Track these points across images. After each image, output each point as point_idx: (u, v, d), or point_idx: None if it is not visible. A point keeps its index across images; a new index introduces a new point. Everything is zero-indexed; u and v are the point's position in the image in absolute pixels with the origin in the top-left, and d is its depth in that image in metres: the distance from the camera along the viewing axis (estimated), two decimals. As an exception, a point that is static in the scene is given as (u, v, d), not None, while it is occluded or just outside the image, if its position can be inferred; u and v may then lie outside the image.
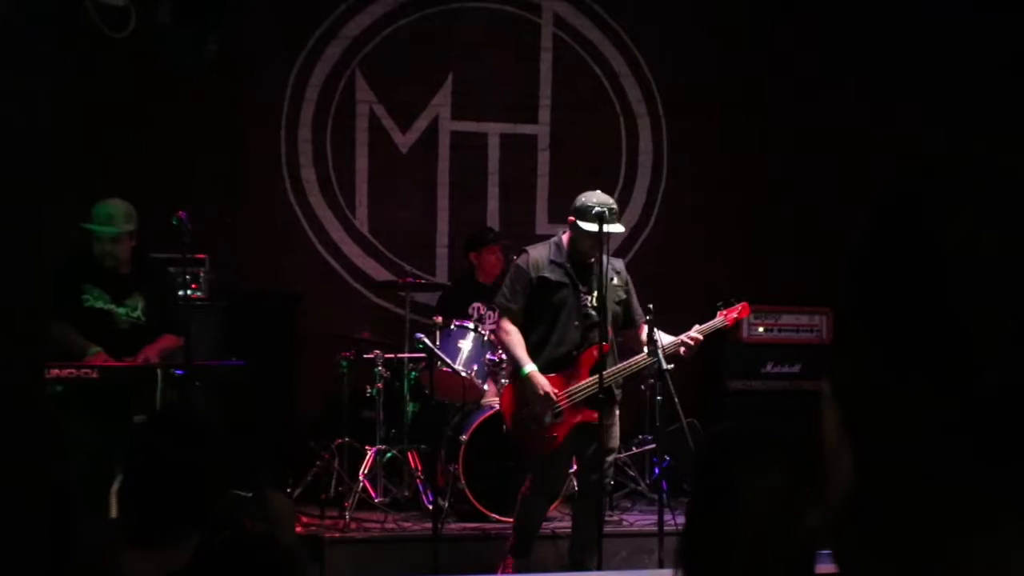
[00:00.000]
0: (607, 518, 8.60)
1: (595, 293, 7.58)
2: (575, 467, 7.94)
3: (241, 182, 10.48)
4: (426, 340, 8.44)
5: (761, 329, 10.32)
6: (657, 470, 9.33)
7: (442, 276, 10.81)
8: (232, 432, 8.99)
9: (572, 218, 7.53)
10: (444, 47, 10.90)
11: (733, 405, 10.26)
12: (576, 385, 7.51)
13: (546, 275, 7.53)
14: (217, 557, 3.15)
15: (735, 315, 7.95)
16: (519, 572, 7.79)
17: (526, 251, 7.75)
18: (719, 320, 7.87)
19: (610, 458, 7.68)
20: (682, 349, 7.62)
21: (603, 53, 11.18)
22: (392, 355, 9.33)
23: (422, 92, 10.89)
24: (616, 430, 7.75)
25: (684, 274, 10.89)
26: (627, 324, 7.79)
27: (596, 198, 7.52)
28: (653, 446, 9.41)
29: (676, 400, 7.56)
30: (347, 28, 10.74)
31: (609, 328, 7.61)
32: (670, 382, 7.58)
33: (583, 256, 7.59)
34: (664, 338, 7.57)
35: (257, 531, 3.52)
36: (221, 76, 9.99)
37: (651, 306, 7.60)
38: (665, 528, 7.60)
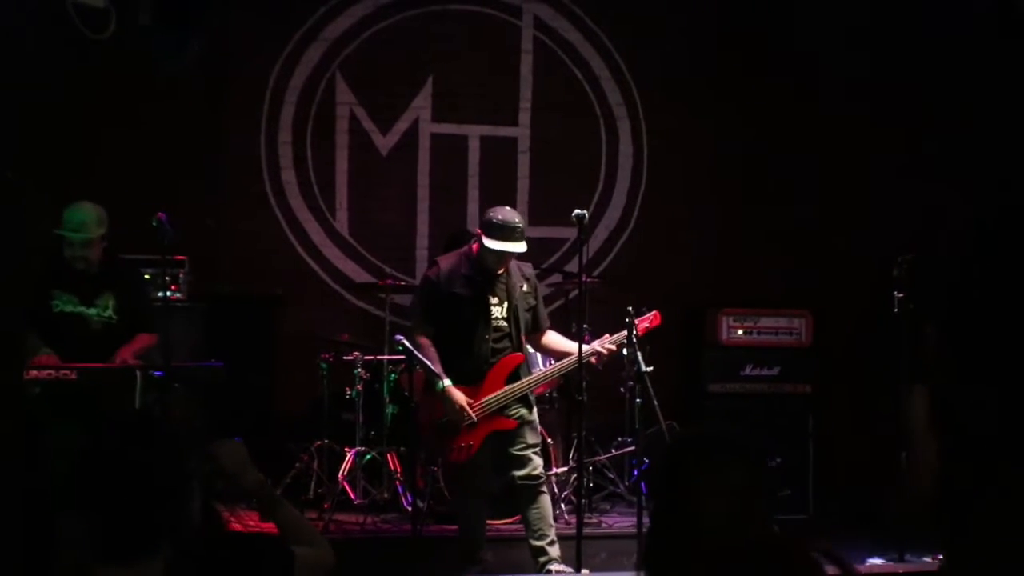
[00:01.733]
0: (586, 520, 8.59)
1: (505, 304, 7.72)
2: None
3: (221, 184, 10.46)
4: (406, 342, 8.43)
5: (740, 332, 10.31)
6: (636, 472, 9.34)
7: (422, 278, 10.78)
8: (210, 434, 9.06)
9: (480, 231, 7.65)
10: (424, 50, 10.90)
11: (712, 407, 10.24)
12: (489, 396, 7.63)
13: (457, 291, 7.66)
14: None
15: (646, 324, 7.91)
16: None
17: (437, 263, 7.85)
18: (621, 333, 7.78)
19: (532, 451, 7.68)
20: (593, 358, 7.69)
21: (583, 55, 11.19)
22: (371, 357, 9.33)
23: (402, 94, 10.89)
24: (536, 426, 7.84)
25: (663, 276, 10.88)
26: (534, 329, 7.89)
27: (502, 215, 7.63)
28: (632, 448, 9.42)
29: (656, 403, 7.60)
30: (327, 31, 10.74)
31: (522, 336, 7.75)
32: (649, 385, 7.62)
33: (486, 267, 7.69)
34: (573, 346, 7.66)
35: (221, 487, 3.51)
36: (201, 78, 10.03)
37: (630, 308, 7.64)
38: (644, 530, 7.63)
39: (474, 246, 7.74)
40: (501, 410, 7.63)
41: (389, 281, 9.56)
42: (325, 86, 10.74)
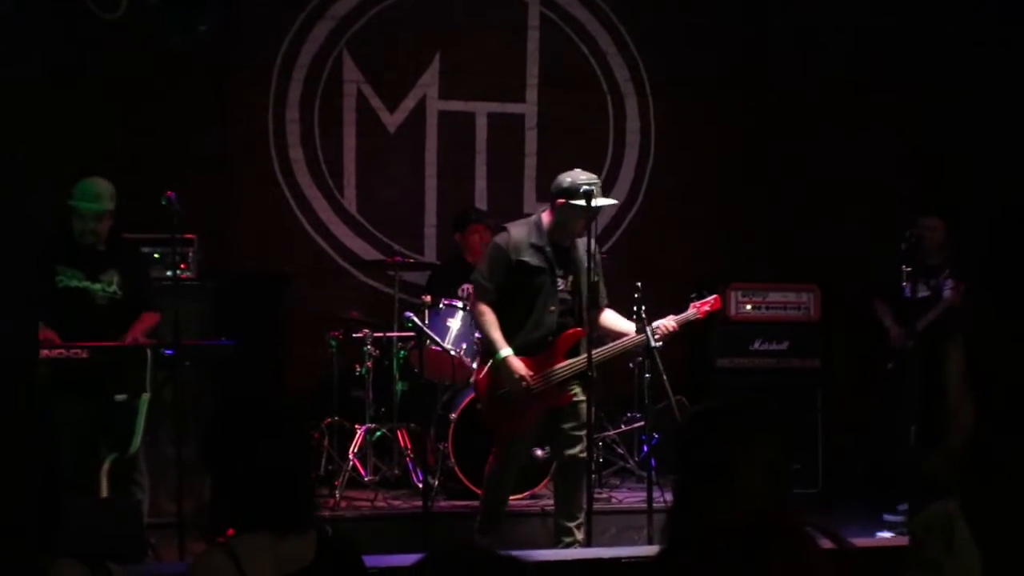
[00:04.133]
0: (596, 495, 8.57)
1: (570, 277, 7.61)
2: (541, 452, 8.00)
3: (229, 163, 10.47)
4: (415, 319, 8.46)
5: (748, 307, 10.32)
6: (646, 447, 9.37)
7: (431, 255, 10.83)
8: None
9: (562, 200, 7.48)
10: (431, 27, 10.88)
11: (721, 383, 10.25)
12: (551, 369, 7.52)
13: (525, 259, 7.50)
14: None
15: (707, 308, 7.90)
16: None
17: (506, 230, 7.68)
18: (692, 312, 7.84)
19: (582, 435, 7.66)
20: (656, 336, 7.62)
21: (590, 31, 11.17)
22: (381, 334, 9.34)
23: (409, 72, 10.88)
24: (591, 406, 7.76)
25: (672, 252, 10.92)
26: (592, 305, 7.74)
27: (584, 176, 7.52)
28: (642, 424, 9.44)
29: (665, 378, 7.60)
30: (334, 8, 10.72)
31: (584, 311, 7.64)
32: (658, 360, 7.61)
33: (564, 238, 7.59)
34: (629, 326, 7.63)
35: None
36: (209, 56, 10.02)
37: (639, 284, 7.61)
38: (654, 505, 7.66)
39: (544, 216, 7.62)
40: (559, 384, 7.53)
41: (397, 258, 9.57)
42: (332, 64, 10.72)
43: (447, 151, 10.96)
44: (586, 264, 7.56)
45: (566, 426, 7.55)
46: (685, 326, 7.80)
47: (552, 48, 11.11)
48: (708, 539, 2.89)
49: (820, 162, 10.94)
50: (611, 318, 7.84)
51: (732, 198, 11.14)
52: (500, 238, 7.65)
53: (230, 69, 10.44)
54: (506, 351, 7.44)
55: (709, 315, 7.97)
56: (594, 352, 7.46)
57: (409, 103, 10.88)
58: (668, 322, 7.65)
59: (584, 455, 7.59)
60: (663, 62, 11.24)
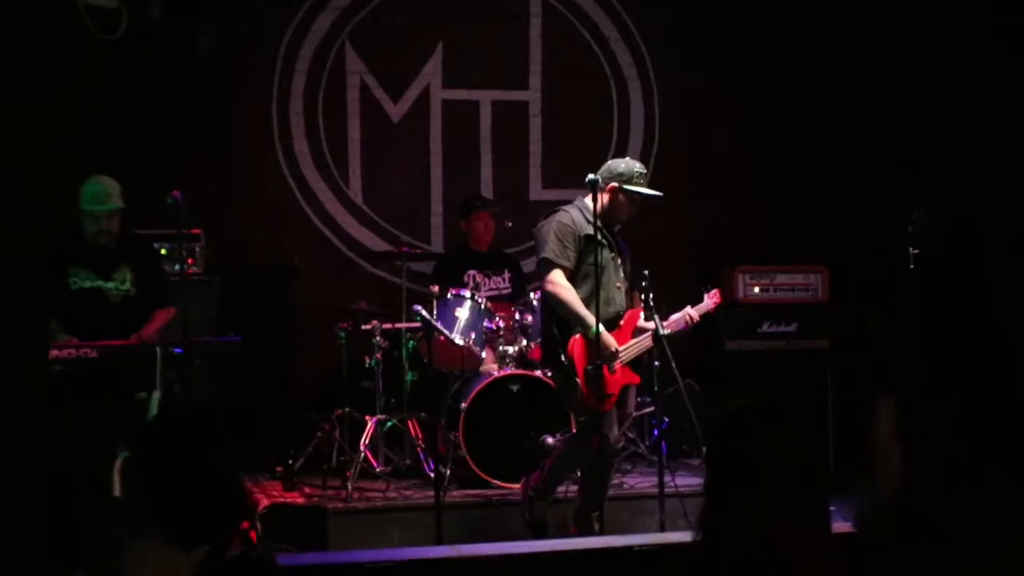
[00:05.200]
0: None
1: (619, 259, 7.66)
2: (552, 440, 8.01)
3: (234, 156, 10.47)
4: (423, 312, 8.44)
5: (757, 289, 10.34)
6: (656, 432, 9.38)
7: (437, 244, 10.84)
8: (232, 408, 9.13)
9: (614, 184, 7.51)
10: (433, 16, 10.86)
11: (730, 365, 10.31)
12: (625, 346, 7.53)
13: (591, 233, 7.46)
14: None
15: (718, 299, 8.07)
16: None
17: (565, 210, 7.63)
18: (708, 303, 8.02)
19: (628, 422, 7.72)
20: (686, 322, 7.79)
21: (592, 18, 11.16)
22: (390, 325, 9.35)
23: (412, 61, 10.87)
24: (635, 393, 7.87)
25: (678, 236, 10.91)
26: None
27: (637, 165, 7.63)
28: (652, 409, 9.45)
29: (673, 364, 7.62)
30: (336, -1, 10.72)
31: (634, 293, 7.70)
32: (667, 347, 7.64)
33: (610, 223, 7.62)
34: (649, 325, 7.65)
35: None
36: (211, 50, 9.99)
37: (646, 272, 7.64)
38: (665, 490, 7.68)
39: (587, 202, 7.53)
40: (630, 363, 7.56)
41: (405, 249, 9.56)
42: (335, 55, 10.72)
43: (451, 140, 10.96)
44: (626, 250, 7.74)
45: (621, 410, 7.63)
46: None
47: (554, 35, 11.10)
48: (740, 539, 2.95)
49: (827, 143, 10.91)
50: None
51: (737, 182, 11.14)
52: (561, 216, 7.59)
53: (233, 62, 10.41)
54: (599, 326, 7.35)
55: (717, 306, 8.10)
56: (639, 340, 7.57)
57: (413, 93, 10.87)
58: (692, 313, 7.79)
59: (620, 444, 7.65)
60: (666, 47, 11.24)
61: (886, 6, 10.81)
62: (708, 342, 10.39)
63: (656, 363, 7.89)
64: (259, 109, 10.59)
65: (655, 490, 7.91)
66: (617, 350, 7.44)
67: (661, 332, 7.58)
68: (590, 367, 7.39)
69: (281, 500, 8.75)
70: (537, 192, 10.86)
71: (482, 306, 9.12)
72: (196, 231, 9.37)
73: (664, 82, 11.25)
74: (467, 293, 9.21)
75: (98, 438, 7.59)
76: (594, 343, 7.34)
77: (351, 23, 10.73)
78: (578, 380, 7.50)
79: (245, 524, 8.34)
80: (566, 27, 11.12)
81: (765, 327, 10.32)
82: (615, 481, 9.06)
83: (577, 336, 7.48)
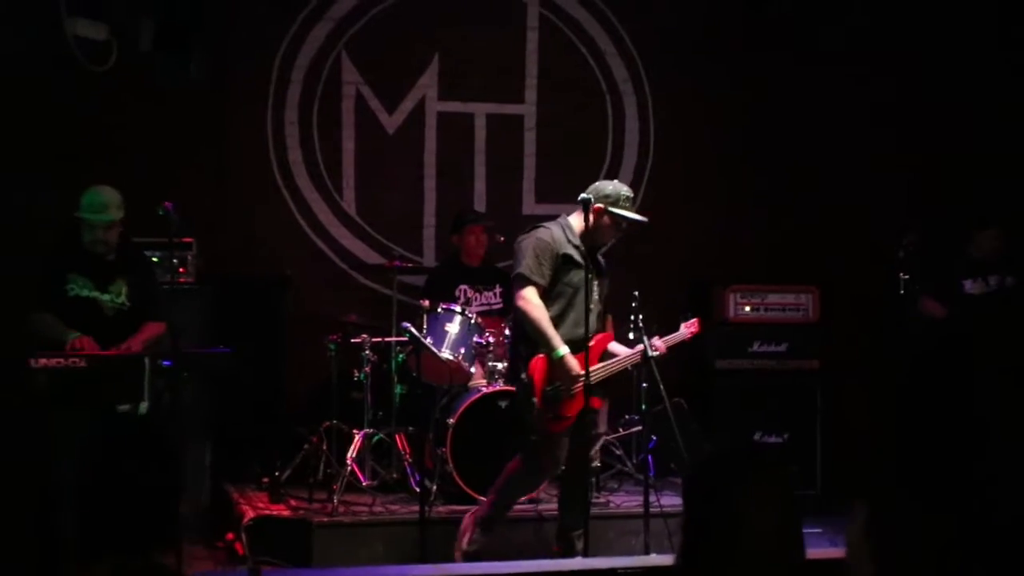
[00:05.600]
0: (593, 500, 8.63)
1: (596, 281, 7.63)
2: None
3: (228, 165, 10.45)
4: (412, 329, 8.43)
5: (747, 308, 10.35)
6: (643, 453, 9.36)
7: (430, 257, 10.82)
8: (221, 420, 9.16)
9: (600, 206, 7.50)
10: (430, 28, 10.85)
11: (720, 384, 10.32)
12: (591, 370, 7.47)
13: (569, 252, 7.49)
14: None
15: (694, 329, 8.03)
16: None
17: (546, 227, 7.63)
18: (683, 332, 7.97)
19: (600, 442, 7.71)
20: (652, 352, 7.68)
21: (589, 32, 11.14)
22: (379, 339, 9.34)
23: (408, 73, 10.85)
24: (606, 414, 7.81)
25: (671, 253, 10.90)
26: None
27: (625, 188, 7.63)
28: (640, 428, 9.45)
29: (662, 387, 7.63)
30: (333, 9, 10.68)
31: (608, 317, 7.72)
32: (656, 369, 7.65)
33: (592, 243, 7.62)
34: (622, 349, 7.68)
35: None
36: (206, 59, 9.97)
37: (636, 292, 7.65)
38: (651, 510, 7.69)
39: (572, 220, 7.60)
40: (592, 388, 7.49)
41: (397, 263, 9.53)
42: (331, 65, 10.70)
43: (445, 152, 10.93)
44: (606, 272, 7.74)
45: (588, 432, 7.57)
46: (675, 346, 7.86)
47: (551, 49, 11.08)
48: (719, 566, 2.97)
49: (821, 163, 10.95)
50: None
51: (731, 199, 11.16)
52: (541, 232, 7.59)
53: (228, 71, 10.38)
54: (564, 348, 7.38)
55: (693, 337, 8.09)
56: (607, 364, 7.58)
57: (408, 104, 10.85)
58: (658, 344, 7.72)
59: (596, 463, 7.67)
60: (662, 62, 11.23)
61: (889, 19, 10.85)
62: (698, 361, 10.38)
63: (644, 384, 7.90)
64: (254, 119, 10.57)
65: (641, 509, 7.90)
66: (579, 374, 7.38)
67: (650, 353, 7.59)
68: (549, 388, 7.42)
69: (267, 512, 8.76)
70: (530, 206, 10.86)
71: (472, 321, 9.11)
72: (188, 240, 9.34)
73: (659, 97, 11.24)
74: (457, 308, 9.20)
75: (83, 449, 7.56)
76: (557, 364, 7.36)
77: (347, 34, 10.71)
78: (535, 400, 7.52)
79: (230, 535, 8.40)
80: (562, 41, 11.11)
81: (755, 346, 10.32)
82: (601, 500, 9.10)
83: (540, 356, 7.49)
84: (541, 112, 11.07)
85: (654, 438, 8.98)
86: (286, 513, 8.75)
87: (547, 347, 7.42)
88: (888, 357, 9.42)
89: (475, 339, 9.07)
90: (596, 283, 7.62)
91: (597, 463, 7.70)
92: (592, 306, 7.49)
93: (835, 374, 10.34)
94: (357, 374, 9.33)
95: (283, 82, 10.62)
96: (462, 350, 9.04)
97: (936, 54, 10.82)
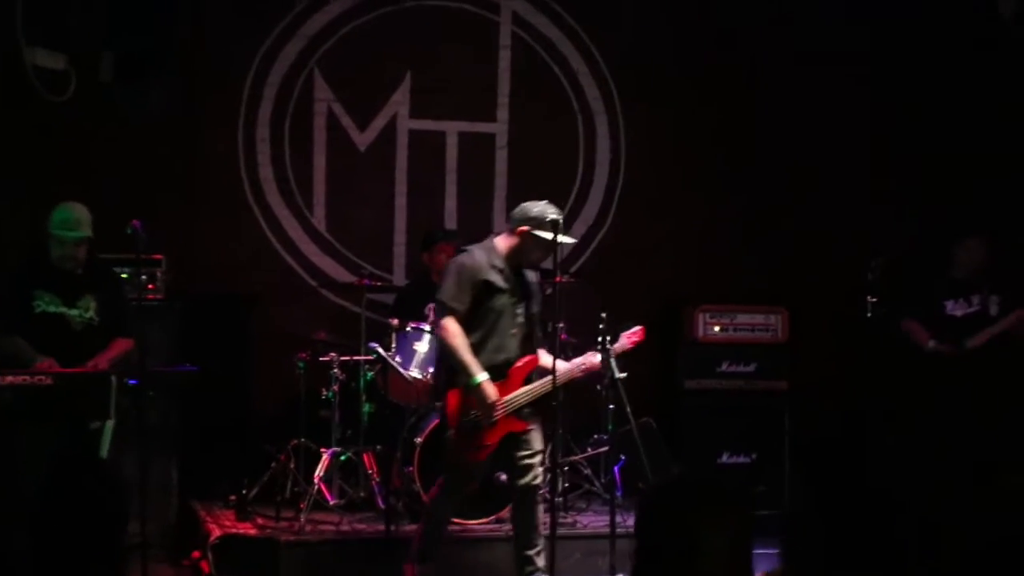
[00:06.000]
0: (561, 520, 8.61)
1: (523, 303, 7.62)
2: (505, 476, 7.97)
3: (199, 181, 10.42)
4: (380, 350, 8.45)
5: (716, 328, 10.38)
6: (611, 473, 9.36)
7: (400, 274, 10.81)
8: (188, 437, 9.13)
9: (525, 228, 7.49)
10: (402, 45, 10.84)
11: (689, 404, 10.36)
12: (511, 395, 7.51)
13: (491, 279, 7.49)
14: None
15: (636, 339, 7.95)
16: None
17: (469, 251, 7.67)
18: (623, 342, 7.88)
19: (538, 459, 7.69)
20: (579, 372, 7.73)
21: (562, 51, 11.14)
22: (348, 358, 9.34)
23: (380, 91, 10.84)
24: (540, 433, 7.76)
25: (641, 274, 10.92)
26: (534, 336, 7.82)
27: (552, 209, 7.55)
28: (607, 448, 9.45)
29: (628, 409, 7.66)
30: (305, 27, 10.67)
31: (535, 338, 7.72)
32: (623, 391, 7.66)
33: (518, 265, 7.61)
34: (560, 364, 7.60)
35: None
36: (178, 75, 9.94)
37: (604, 315, 7.64)
38: (618, 531, 7.70)
39: (499, 242, 7.63)
40: (516, 411, 7.53)
41: (366, 281, 9.53)
42: (303, 82, 10.68)
43: (417, 170, 10.91)
44: (537, 293, 7.70)
45: (519, 454, 7.58)
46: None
47: (523, 67, 11.08)
48: None
49: (794, 184, 11.03)
50: (544, 356, 7.84)
51: (702, 219, 11.17)
52: (463, 258, 7.63)
53: (200, 88, 10.36)
54: (483, 375, 7.38)
55: (636, 346, 8.01)
56: (530, 387, 7.55)
57: (380, 122, 10.84)
58: (592, 360, 7.70)
59: (537, 482, 7.62)
60: (634, 81, 11.23)
61: (862, 40, 10.97)
62: (666, 380, 10.44)
63: (611, 406, 7.91)
64: (225, 135, 10.54)
65: (608, 530, 7.90)
66: (495, 402, 7.40)
67: (616, 376, 7.61)
68: (467, 419, 7.44)
69: (233, 530, 8.73)
70: (501, 224, 10.73)
71: (442, 340, 9.10)
72: (157, 256, 9.31)
73: (631, 117, 11.24)
74: (427, 327, 9.19)
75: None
76: (474, 392, 7.39)
77: (320, 51, 10.69)
78: (450, 430, 7.59)
79: (196, 554, 8.36)
80: (535, 60, 11.11)
81: (724, 366, 10.36)
82: (568, 520, 9.10)
83: (453, 389, 7.53)
84: (513, 131, 11.06)
85: (622, 458, 9.00)
86: (253, 531, 8.74)
87: (465, 374, 7.42)
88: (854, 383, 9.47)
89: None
90: (521, 306, 7.62)
91: (538, 481, 7.63)
92: (515, 330, 7.54)
93: (803, 395, 10.36)
94: (325, 392, 9.32)
95: (255, 99, 10.59)
96: (431, 369, 9.04)
97: (912, 73, 10.91)
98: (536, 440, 7.65)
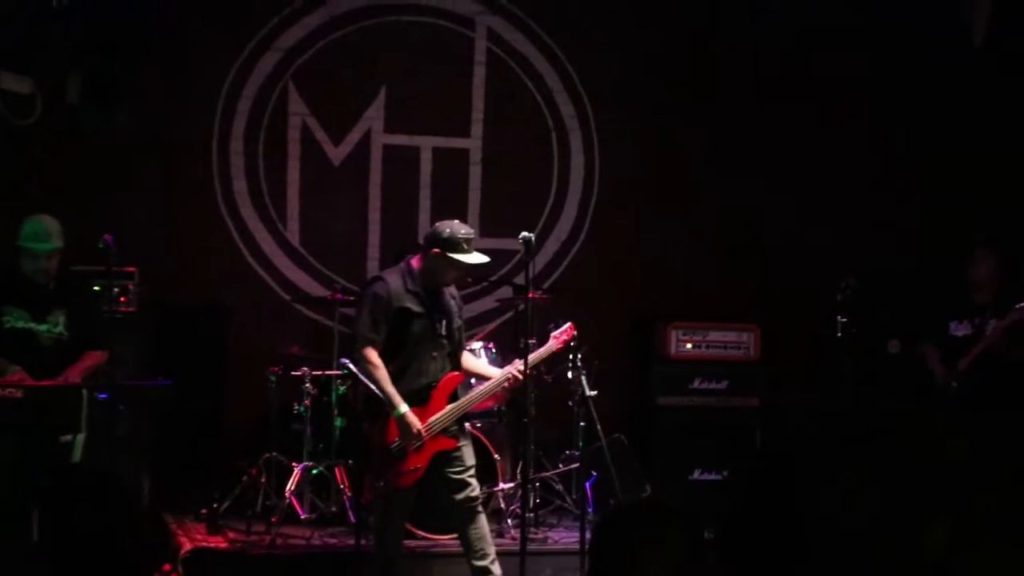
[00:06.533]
0: (532, 535, 8.67)
1: (444, 321, 7.64)
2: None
3: (172, 193, 10.40)
4: (352, 366, 8.44)
5: (689, 345, 10.41)
6: (581, 490, 9.37)
7: (373, 289, 10.75)
8: (159, 450, 9.08)
9: (437, 250, 7.51)
10: (377, 60, 10.84)
11: (661, 421, 10.38)
12: (435, 416, 7.53)
13: (407, 305, 7.52)
14: None
15: (565, 337, 7.93)
16: None
17: (383, 279, 7.68)
18: (552, 344, 7.88)
19: (471, 472, 7.69)
20: (506, 383, 7.74)
21: (536, 68, 11.15)
22: (320, 372, 9.33)
23: (355, 105, 10.83)
24: (471, 447, 7.78)
25: (614, 290, 10.94)
26: (459, 349, 7.83)
27: (462, 229, 7.60)
28: (578, 464, 9.46)
29: (599, 427, 7.68)
30: (281, 40, 10.65)
31: (459, 354, 7.73)
32: (592, 409, 7.69)
33: (433, 285, 7.64)
34: (491, 370, 7.73)
35: None
36: (153, 87, 9.98)
37: (575, 332, 7.66)
38: (587, 547, 7.68)
39: (415, 261, 7.66)
40: (443, 429, 7.56)
41: (339, 295, 9.54)
42: (278, 96, 10.66)
43: (391, 185, 10.90)
44: (457, 307, 7.72)
45: (452, 471, 7.60)
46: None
47: (498, 83, 11.09)
48: None
49: (763, 202, 11.07)
50: (471, 360, 7.95)
51: (675, 236, 11.19)
52: (378, 287, 7.63)
53: (174, 100, 10.34)
54: (404, 407, 7.43)
55: (568, 344, 8.01)
56: (455, 405, 7.58)
57: (354, 136, 10.83)
58: (517, 367, 7.65)
59: (475, 494, 7.63)
60: (608, 99, 11.25)
61: (838, 55, 11.05)
62: (639, 397, 10.46)
63: (582, 424, 7.92)
64: (199, 147, 10.51)
65: (579, 546, 7.91)
66: (419, 431, 7.45)
67: (587, 393, 7.63)
68: (392, 447, 7.47)
69: (204, 544, 8.70)
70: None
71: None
72: (130, 269, 9.31)
73: (605, 135, 11.25)
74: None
75: (19, 481, 7.43)
76: (398, 422, 7.43)
77: (295, 64, 10.68)
78: (370, 461, 7.69)
79: (167, 567, 8.32)
80: (510, 76, 11.12)
81: (696, 383, 10.39)
82: (539, 536, 9.10)
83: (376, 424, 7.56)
84: (487, 146, 11.06)
85: (594, 474, 9.00)
86: (224, 545, 8.73)
87: (390, 404, 7.46)
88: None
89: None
90: (441, 325, 7.64)
91: (475, 492, 7.64)
92: (436, 352, 7.58)
93: (774, 412, 10.38)
94: (297, 407, 9.32)
95: (229, 112, 10.57)
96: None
97: (890, 94, 10.99)
98: (468, 455, 7.67)
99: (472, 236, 7.59)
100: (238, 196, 10.62)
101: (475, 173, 11.07)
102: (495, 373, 7.79)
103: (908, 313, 9.80)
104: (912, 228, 10.94)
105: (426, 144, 11.00)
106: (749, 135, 11.09)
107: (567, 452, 9.66)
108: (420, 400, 7.54)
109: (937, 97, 10.99)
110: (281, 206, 10.72)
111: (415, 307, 7.53)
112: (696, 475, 10.30)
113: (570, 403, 9.50)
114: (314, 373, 9.33)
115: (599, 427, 7.69)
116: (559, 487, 9.76)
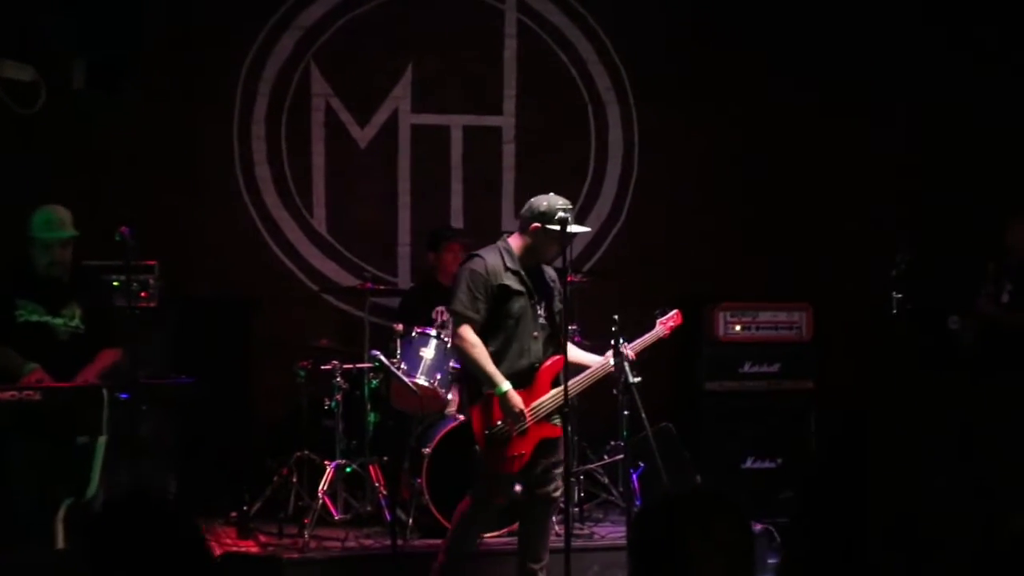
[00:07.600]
0: (577, 531, 8.43)
1: (544, 303, 7.34)
2: (519, 487, 7.61)
3: (193, 182, 10.15)
4: (382, 358, 8.18)
5: (738, 327, 10.15)
6: (628, 481, 9.09)
7: (405, 276, 10.54)
8: (186, 451, 8.85)
9: (536, 225, 7.18)
10: (403, 36, 10.54)
11: (709, 407, 10.12)
12: (540, 400, 7.20)
13: (506, 283, 7.19)
14: None
15: (672, 324, 7.72)
16: None
17: (480, 256, 7.34)
18: (659, 330, 7.68)
19: (561, 469, 7.35)
20: (613, 367, 7.41)
21: (569, 39, 10.83)
22: (351, 366, 9.04)
23: (380, 84, 10.53)
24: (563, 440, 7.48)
25: (657, 270, 10.64)
26: (559, 333, 7.45)
27: (560, 200, 7.24)
28: (624, 455, 9.16)
29: (644, 415, 7.45)
30: (300, 18, 10.37)
31: (561, 337, 7.33)
32: (637, 397, 7.38)
33: (534, 263, 7.33)
34: (590, 358, 7.39)
35: None
36: (171, 71, 9.83)
37: (616, 316, 7.33)
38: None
39: (511, 241, 7.34)
40: (547, 416, 7.22)
41: (369, 285, 9.28)
42: (300, 77, 10.38)
43: (421, 167, 10.62)
44: (556, 289, 7.42)
45: (544, 461, 7.27)
46: (655, 346, 7.61)
47: (530, 57, 10.79)
48: None
49: (814, 175, 10.81)
50: (571, 350, 7.50)
51: (720, 213, 10.89)
52: (475, 264, 7.30)
53: (193, 84, 10.10)
54: (507, 385, 7.07)
55: (674, 331, 7.79)
56: (559, 390, 7.21)
57: (380, 117, 10.53)
58: (627, 352, 7.40)
59: (558, 493, 7.34)
60: (646, 69, 10.92)
61: (877, 34, 10.80)
62: (685, 382, 10.25)
63: (625, 412, 7.61)
64: (220, 133, 10.25)
65: (626, 541, 7.56)
66: (523, 411, 7.10)
67: (631, 380, 7.31)
68: (495, 429, 7.13)
69: (235, 548, 8.56)
70: (510, 222, 10.48)
71: (448, 345, 8.76)
72: (151, 262, 9.11)
73: (644, 107, 10.93)
74: (433, 332, 8.92)
75: (41, 484, 7.29)
76: (500, 403, 7.09)
77: (316, 43, 10.40)
78: (477, 445, 7.26)
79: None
80: (542, 49, 10.81)
81: (746, 367, 10.15)
82: (585, 531, 8.89)
83: (478, 404, 7.21)
84: (520, 124, 10.77)
85: (641, 464, 8.69)
86: (255, 549, 8.53)
87: (488, 384, 7.14)
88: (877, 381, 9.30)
89: (452, 364, 8.73)
90: (541, 306, 7.33)
91: (559, 493, 7.31)
92: (537, 332, 7.27)
93: (830, 395, 10.08)
94: (328, 402, 9.04)
95: (249, 94, 10.31)
96: (438, 376, 8.77)
97: (938, 70, 10.76)
98: (560, 449, 7.37)
99: (570, 206, 7.26)
100: (261, 183, 10.34)
101: (508, 152, 10.77)
102: (594, 361, 7.42)
103: (963, 286, 9.51)
104: (963, 203, 10.58)
105: (456, 123, 10.70)
106: (794, 106, 10.78)
107: (612, 443, 9.40)
108: (523, 382, 7.20)
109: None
110: (306, 192, 10.44)
111: (515, 285, 7.21)
112: (748, 463, 10.05)
113: (614, 391, 9.15)
114: (345, 367, 9.02)
115: (644, 415, 7.36)
116: (604, 479, 9.52)
